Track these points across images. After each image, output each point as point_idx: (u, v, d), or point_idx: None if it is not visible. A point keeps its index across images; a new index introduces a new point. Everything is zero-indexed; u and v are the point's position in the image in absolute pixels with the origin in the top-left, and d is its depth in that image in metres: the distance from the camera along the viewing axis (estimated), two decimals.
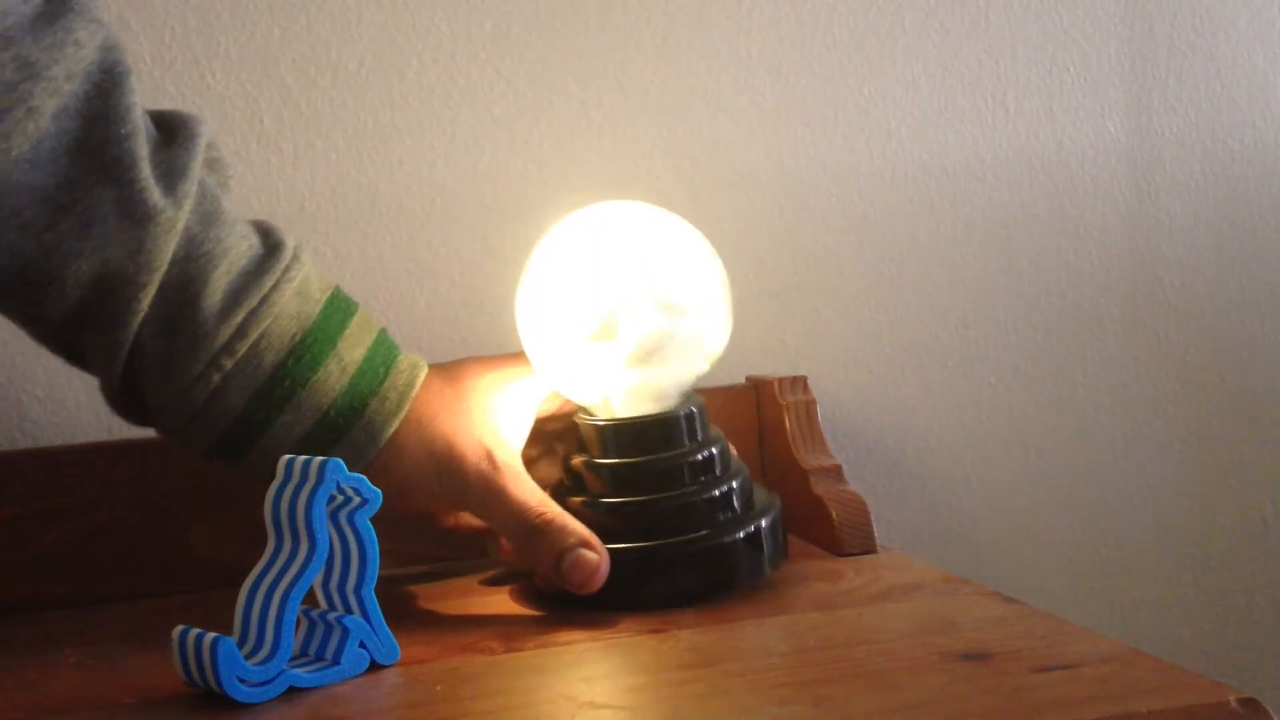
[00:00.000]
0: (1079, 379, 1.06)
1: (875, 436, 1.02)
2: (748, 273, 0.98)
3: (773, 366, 0.99)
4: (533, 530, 0.70)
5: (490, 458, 0.71)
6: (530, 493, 0.71)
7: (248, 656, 0.60)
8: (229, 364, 0.66)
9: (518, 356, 0.76)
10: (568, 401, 0.78)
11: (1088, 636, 0.61)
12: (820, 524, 0.83)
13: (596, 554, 0.70)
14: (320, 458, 0.62)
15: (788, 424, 0.89)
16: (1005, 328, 1.04)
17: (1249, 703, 0.52)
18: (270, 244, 0.69)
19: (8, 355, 0.88)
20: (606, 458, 0.74)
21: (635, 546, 0.72)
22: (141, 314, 0.65)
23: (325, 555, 0.62)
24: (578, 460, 0.76)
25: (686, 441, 0.74)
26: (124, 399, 0.68)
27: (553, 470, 0.80)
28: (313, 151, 0.92)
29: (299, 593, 0.61)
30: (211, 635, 0.59)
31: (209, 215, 0.66)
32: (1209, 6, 1.08)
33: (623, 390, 0.75)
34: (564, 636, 0.68)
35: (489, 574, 0.82)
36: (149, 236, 0.63)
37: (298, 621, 0.61)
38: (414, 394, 0.71)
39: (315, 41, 0.92)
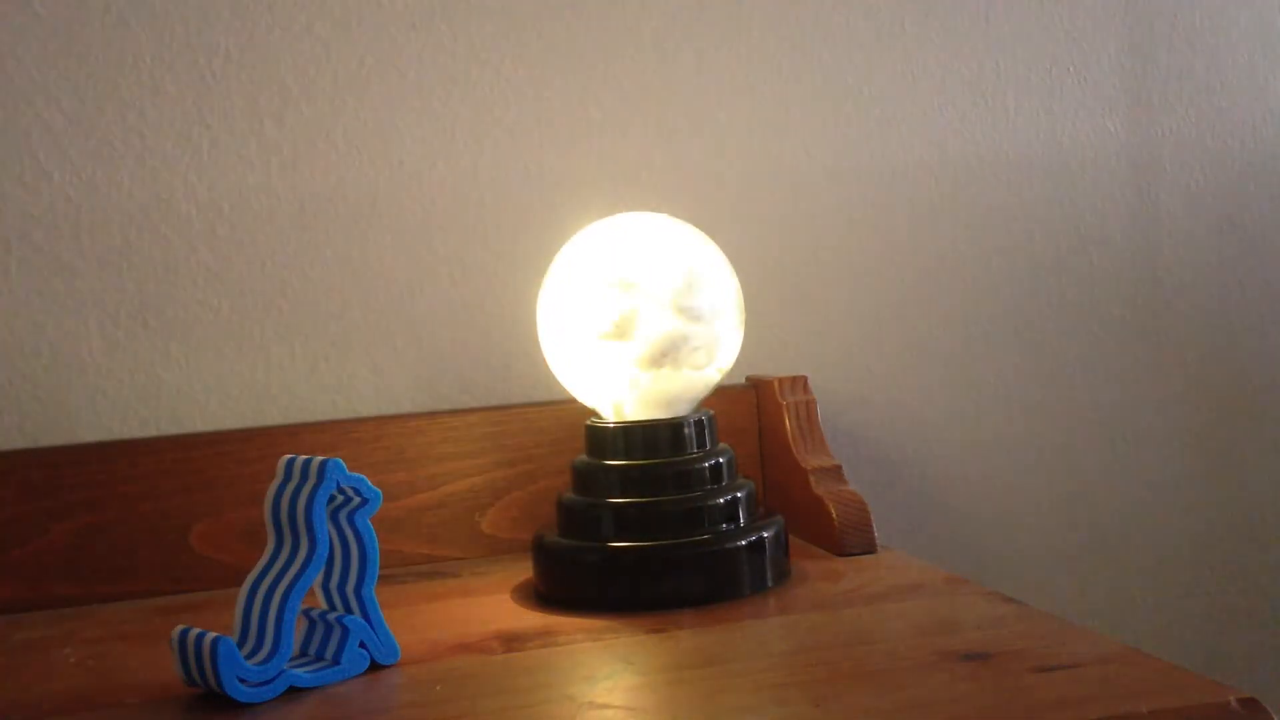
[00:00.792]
0: (1079, 379, 1.06)
1: (875, 436, 1.02)
2: (748, 272, 0.98)
3: (773, 366, 0.99)
4: None
5: None
6: None
7: (248, 656, 0.60)
8: None
9: None
10: None
11: (1088, 636, 0.61)
12: (820, 524, 0.83)
13: None
14: (320, 458, 0.62)
15: (788, 424, 0.89)
16: (1005, 328, 1.04)
17: (1249, 703, 0.52)
18: None
19: (8, 355, 0.88)
20: (615, 459, 0.75)
21: (638, 546, 0.72)
22: None
23: (325, 555, 0.62)
24: (585, 461, 0.76)
25: (695, 448, 0.75)
26: None
27: None
28: (313, 151, 0.92)
29: (299, 593, 0.61)
30: (211, 635, 0.59)
31: None
32: (1209, 6, 1.08)
33: (635, 395, 0.76)
34: (564, 636, 0.68)
35: (489, 574, 0.82)
36: None
37: (298, 621, 0.61)
38: None
39: (315, 41, 0.92)
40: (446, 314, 0.94)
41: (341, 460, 0.63)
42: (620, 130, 0.97)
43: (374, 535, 0.64)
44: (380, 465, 0.87)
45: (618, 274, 0.76)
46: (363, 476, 0.63)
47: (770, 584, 0.74)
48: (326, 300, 0.92)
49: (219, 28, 0.90)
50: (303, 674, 0.62)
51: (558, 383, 0.81)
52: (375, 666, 0.64)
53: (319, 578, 0.65)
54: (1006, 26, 1.04)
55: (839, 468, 0.86)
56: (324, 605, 0.66)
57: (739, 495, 0.75)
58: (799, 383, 0.91)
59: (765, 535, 0.74)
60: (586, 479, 0.76)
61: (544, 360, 0.81)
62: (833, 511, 0.82)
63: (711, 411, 0.78)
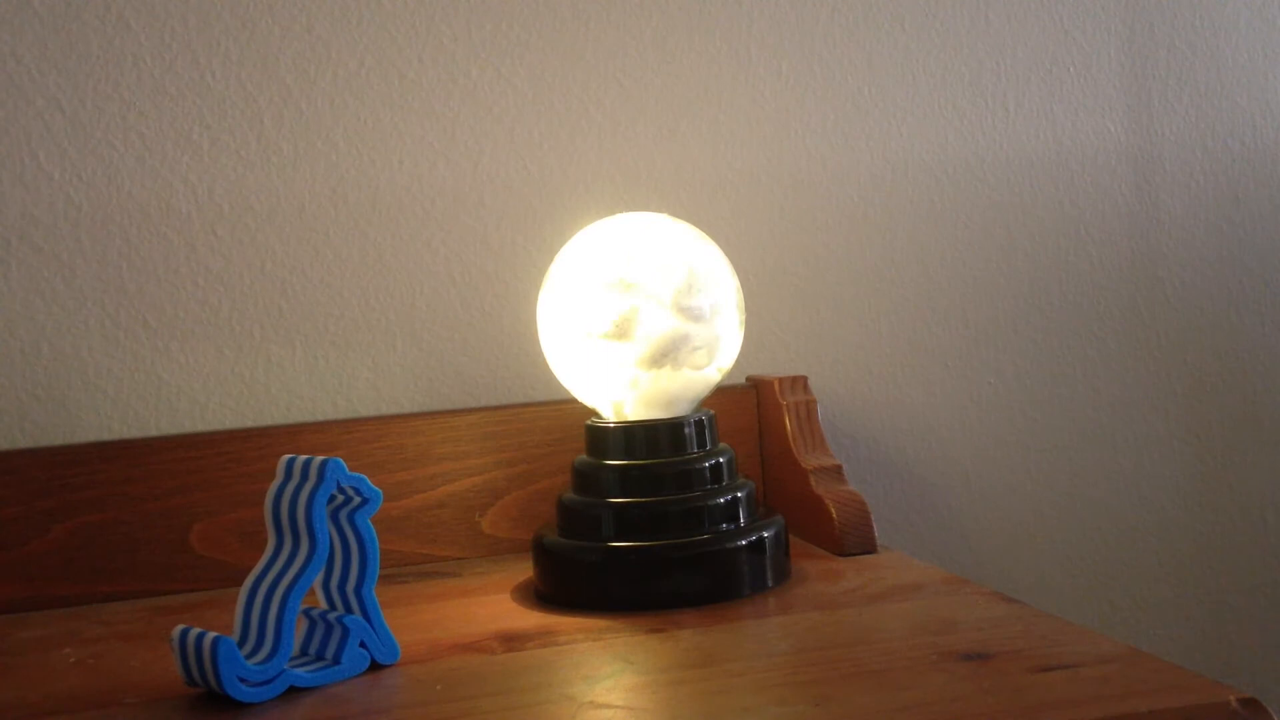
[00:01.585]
0: (1079, 379, 1.06)
1: (875, 436, 1.02)
2: (748, 272, 0.98)
3: (773, 366, 0.99)
4: None
5: None
6: None
7: (248, 656, 0.60)
8: None
9: None
10: None
11: (1088, 636, 0.61)
12: (820, 524, 0.83)
13: None
14: (320, 457, 0.62)
15: (788, 424, 0.89)
16: (1005, 328, 1.04)
17: (1249, 703, 0.52)
18: None
19: (8, 355, 0.88)
20: (616, 459, 0.75)
21: (638, 546, 0.72)
22: None
23: (325, 555, 0.62)
24: (585, 461, 0.76)
25: (695, 448, 0.75)
26: None
27: None
28: (313, 151, 0.92)
29: (299, 592, 0.61)
30: (211, 635, 0.59)
31: None
32: (1209, 6, 1.08)
33: (635, 395, 0.76)
34: (564, 636, 0.68)
35: (489, 574, 0.82)
36: None
37: (298, 621, 0.61)
38: None
39: (315, 41, 0.92)
40: (446, 314, 0.94)
41: (341, 460, 0.63)
42: (620, 130, 0.97)
43: (374, 535, 0.64)
44: (380, 465, 0.87)
45: (618, 274, 0.76)
46: (363, 476, 0.63)
47: (770, 584, 0.74)
48: (326, 300, 0.92)
49: (219, 28, 0.90)
50: (303, 674, 0.62)
51: (558, 383, 0.81)
52: (375, 666, 0.64)
53: (319, 577, 0.65)
54: (1006, 26, 1.04)
55: (839, 468, 0.86)
56: (324, 605, 0.66)
57: (739, 495, 0.75)
58: (799, 383, 0.91)
59: (765, 535, 0.74)
60: (586, 479, 0.76)
61: (544, 360, 0.81)
62: (833, 511, 0.82)
63: (712, 411, 0.78)
